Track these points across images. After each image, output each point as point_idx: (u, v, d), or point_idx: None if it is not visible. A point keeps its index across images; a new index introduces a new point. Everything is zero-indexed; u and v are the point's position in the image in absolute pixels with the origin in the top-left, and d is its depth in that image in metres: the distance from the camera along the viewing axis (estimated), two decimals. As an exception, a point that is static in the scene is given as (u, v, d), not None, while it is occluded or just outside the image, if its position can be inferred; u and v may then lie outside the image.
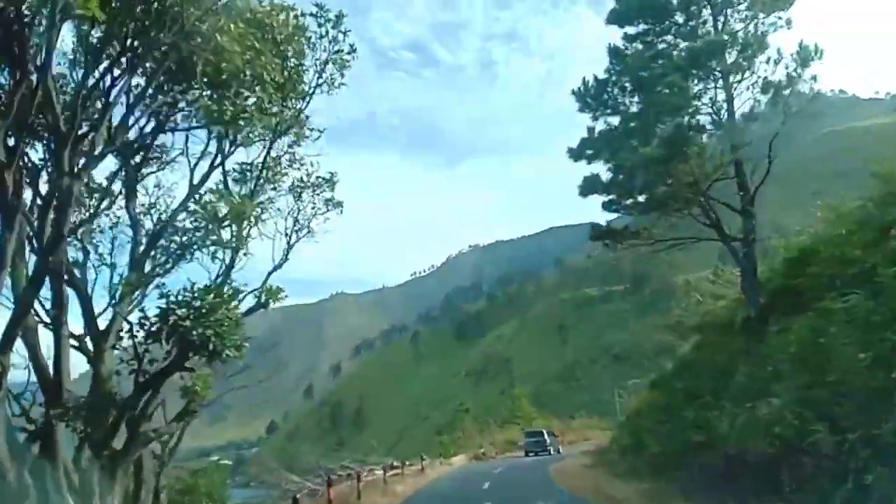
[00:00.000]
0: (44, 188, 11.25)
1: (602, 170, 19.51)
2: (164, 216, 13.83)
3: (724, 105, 18.13)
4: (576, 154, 19.58)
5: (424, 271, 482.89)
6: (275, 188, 14.82)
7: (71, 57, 11.04)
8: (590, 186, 19.43)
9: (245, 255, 13.39)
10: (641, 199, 19.02)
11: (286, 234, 14.70)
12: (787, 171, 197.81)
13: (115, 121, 11.42)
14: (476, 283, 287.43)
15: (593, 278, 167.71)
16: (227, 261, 13.24)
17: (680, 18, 18.99)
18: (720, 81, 17.94)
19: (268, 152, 14.00)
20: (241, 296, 11.51)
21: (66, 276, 10.94)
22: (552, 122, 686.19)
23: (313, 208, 15.03)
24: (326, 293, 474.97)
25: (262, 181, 14.18)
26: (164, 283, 11.91)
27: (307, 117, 14.29)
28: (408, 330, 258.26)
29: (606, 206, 19.90)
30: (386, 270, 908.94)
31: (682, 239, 20.12)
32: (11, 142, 9.57)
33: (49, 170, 11.20)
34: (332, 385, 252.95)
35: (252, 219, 12.93)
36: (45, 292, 10.71)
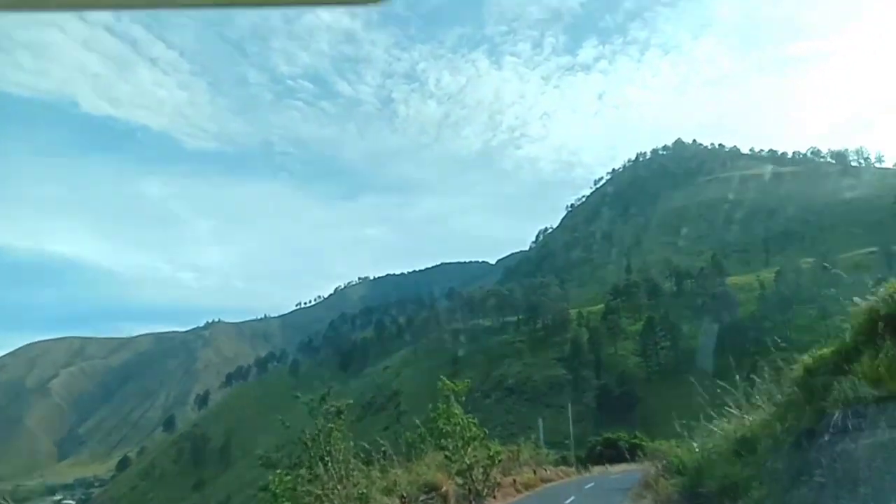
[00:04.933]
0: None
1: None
2: None
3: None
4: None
5: (311, 302, 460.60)
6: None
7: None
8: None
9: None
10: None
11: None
12: (669, 214, 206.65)
13: None
14: (364, 310, 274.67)
15: (486, 309, 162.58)
16: None
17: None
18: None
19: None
20: None
21: None
22: (446, 163, 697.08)
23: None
24: (202, 321, 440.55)
25: None
26: None
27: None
28: (287, 358, 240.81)
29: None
30: (272, 301, 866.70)
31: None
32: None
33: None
34: (197, 417, 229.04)
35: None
36: None
